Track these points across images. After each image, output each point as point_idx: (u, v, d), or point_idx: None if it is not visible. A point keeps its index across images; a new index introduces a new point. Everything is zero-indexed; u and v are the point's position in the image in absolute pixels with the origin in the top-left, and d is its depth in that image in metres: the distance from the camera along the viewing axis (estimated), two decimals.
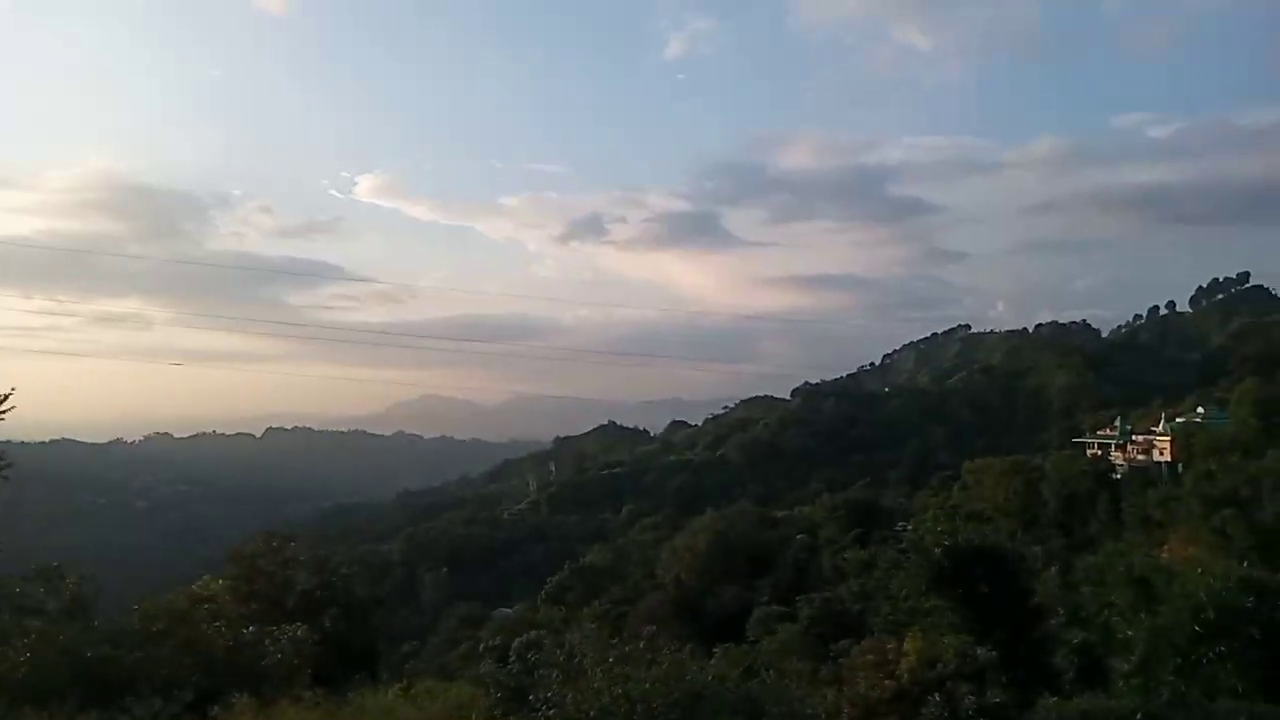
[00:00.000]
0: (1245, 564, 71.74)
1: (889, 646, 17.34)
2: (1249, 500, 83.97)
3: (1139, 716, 15.88)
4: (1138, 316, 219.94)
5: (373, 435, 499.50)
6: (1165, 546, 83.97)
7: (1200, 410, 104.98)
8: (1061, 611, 25.41)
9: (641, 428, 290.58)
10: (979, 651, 15.72)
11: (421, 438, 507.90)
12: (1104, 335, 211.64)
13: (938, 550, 20.39)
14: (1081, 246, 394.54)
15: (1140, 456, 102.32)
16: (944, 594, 20.22)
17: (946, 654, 15.60)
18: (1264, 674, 14.96)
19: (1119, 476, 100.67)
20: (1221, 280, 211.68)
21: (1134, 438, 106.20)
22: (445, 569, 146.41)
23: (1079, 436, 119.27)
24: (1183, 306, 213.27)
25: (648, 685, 17.95)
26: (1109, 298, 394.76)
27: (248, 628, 21.94)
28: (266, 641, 21.05)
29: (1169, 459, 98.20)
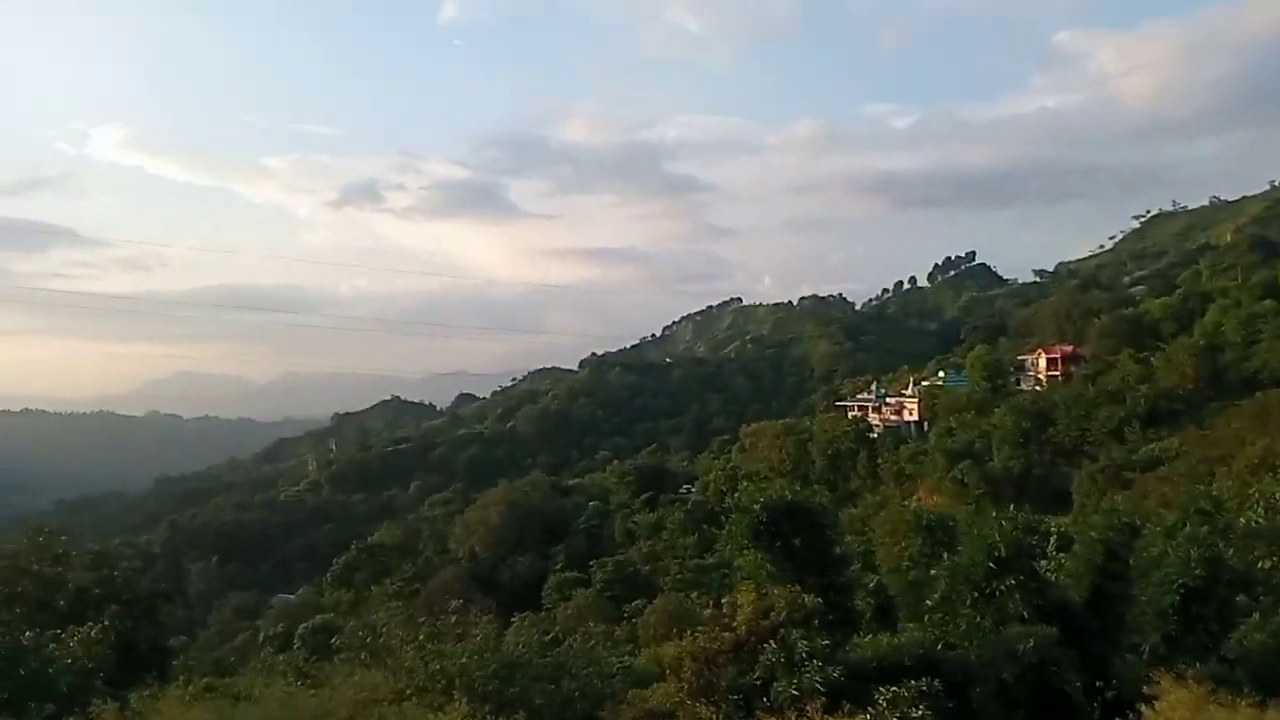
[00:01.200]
0: (974, 506, 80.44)
1: (724, 600, 18.36)
2: (981, 452, 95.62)
3: (940, 645, 17.96)
4: (885, 290, 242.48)
5: (122, 416, 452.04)
6: (916, 496, 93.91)
7: (941, 374, 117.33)
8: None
9: (428, 402, 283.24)
10: (806, 599, 17.03)
11: (180, 418, 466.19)
12: (858, 307, 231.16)
13: (756, 507, 21.64)
14: (837, 225, 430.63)
15: (893, 417, 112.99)
16: (762, 547, 21.51)
17: (778, 604, 16.78)
18: (1043, 602, 17.47)
19: (875, 435, 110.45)
20: (953, 258, 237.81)
21: (887, 400, 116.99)
22: (215, 558, 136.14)
23: (841, 400, 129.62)
24: (923, 281, 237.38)
25: (464, 659, 17.96)
26: (861, 272, 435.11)
27: (24, 632, 19.56)
28: (52, 646, 18.89)
29: (917, 418, 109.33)
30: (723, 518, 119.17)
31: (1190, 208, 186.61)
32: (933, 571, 19.21)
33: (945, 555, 19.26)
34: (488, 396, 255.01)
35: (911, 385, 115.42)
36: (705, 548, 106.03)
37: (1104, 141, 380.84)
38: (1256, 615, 18.90)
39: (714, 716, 16.12)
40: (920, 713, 13.89)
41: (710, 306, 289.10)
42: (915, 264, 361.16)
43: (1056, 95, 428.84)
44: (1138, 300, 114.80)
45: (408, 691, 17.35)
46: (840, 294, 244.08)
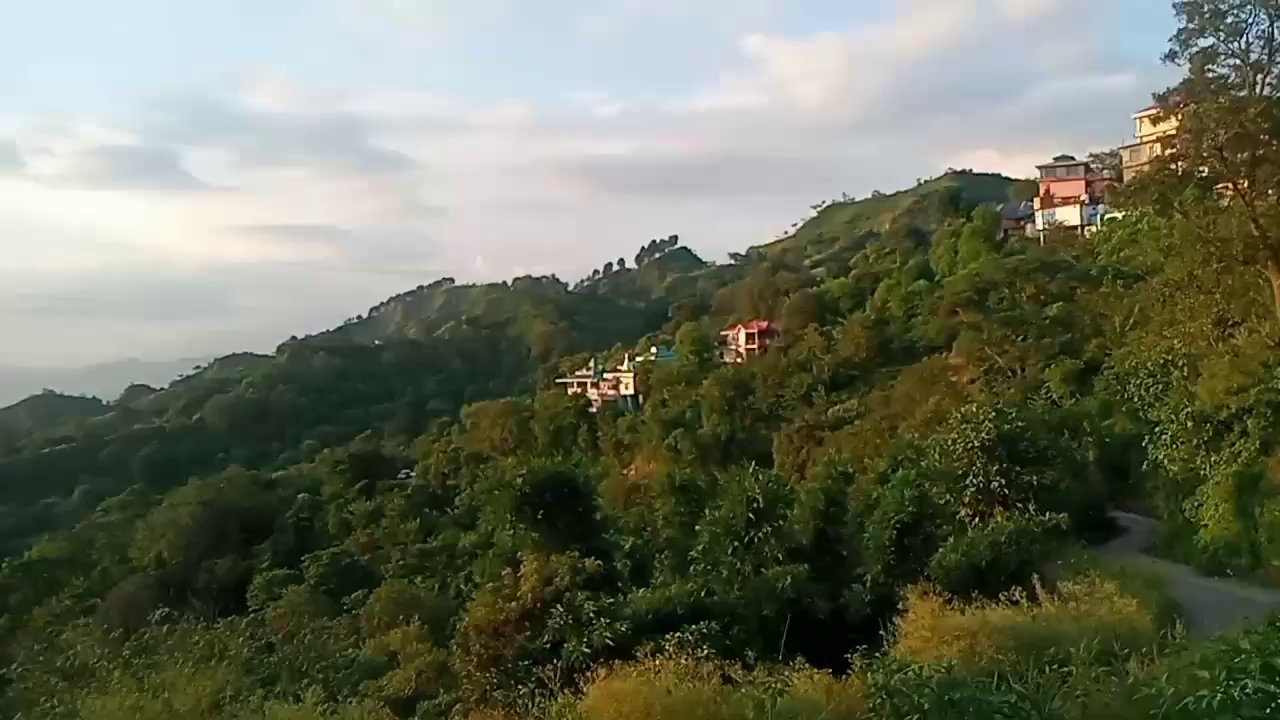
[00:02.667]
0: (689, 470, 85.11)
1: (504, 572, 18.16)
2: (692, 420, 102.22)
3: (705, 593, 19.08)
4: (596, 271, 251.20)
5: None
6: (633, 465, 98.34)
7: (654, 350, 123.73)
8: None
9: (91, 395, 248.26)
10: (586, 563, 17.34)
11: None
12: (571, 288, 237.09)
13: (519, 480, 21.58)
14: (548, 207, 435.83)
15: (611, 391, 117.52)
16: (526, 520, 21.51)
17: (561, 569, 16.92)
18: (793, 544, 19.17)
19: (595, 410, 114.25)
20: (658, 241, 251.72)
21: (605, 376, 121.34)
22: None
23: (560, 378, 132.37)
24: (631, 263, 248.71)
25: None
26: (573, 254, 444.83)
27: None
28: None
29: (633, 392, 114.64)
30: (451, 500, 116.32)
31: (857, 199, 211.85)
32: (696, 527, 20.36)
33: (706, 512, 20.49)
34: (166, 387, 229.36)
35: (627, 361, 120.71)
36: (428, 532, 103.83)
37: (786, 138, 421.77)
38: (950, 540, 22.13)
39: (487, 682, 15.96)
40: (704, 652, 14.68)
41: (421, 287, 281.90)
42: (624, 246, 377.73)
43: (746, 94, 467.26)
44: (819, 281, 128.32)
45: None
46: (554, 275, 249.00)
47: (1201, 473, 30.50)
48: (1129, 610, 14.07)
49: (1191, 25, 28.47)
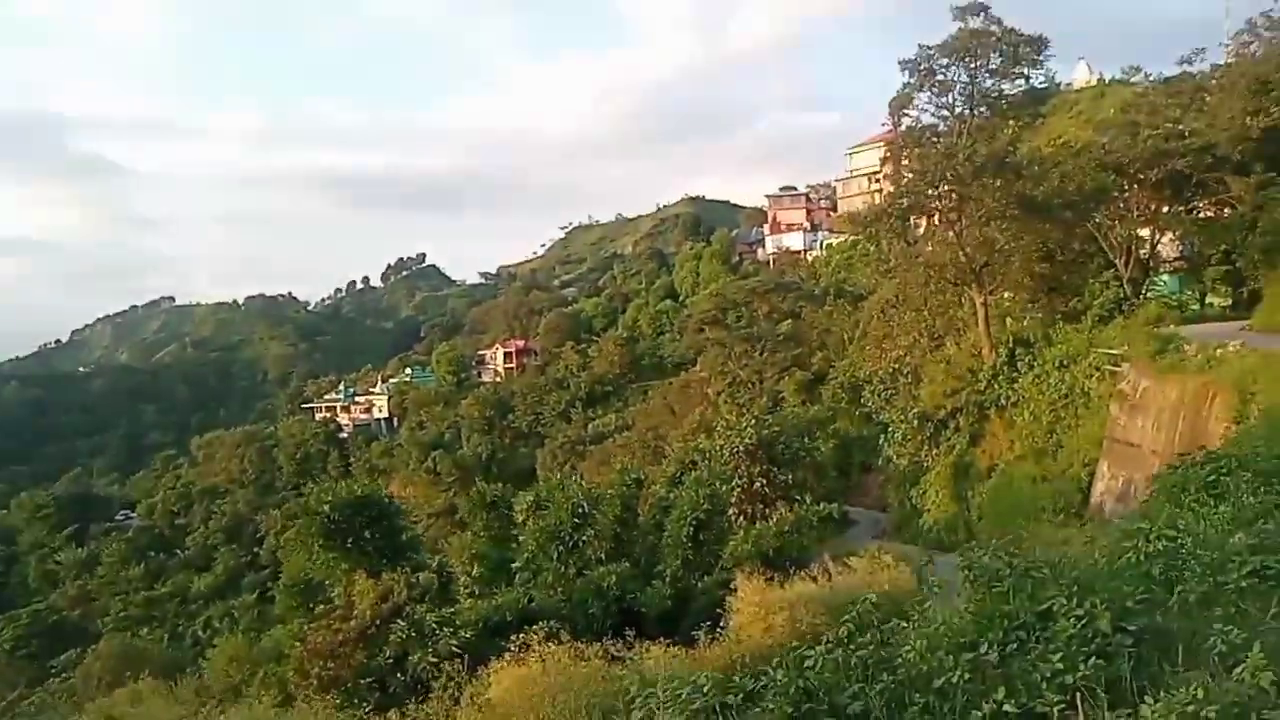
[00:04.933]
0: (451, 492, 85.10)
1: (337, 594, 17.91)
2: (451, 442, 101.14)
3: (529, 599, 19.90)
4: (339, 290, 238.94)
5: None
6: (390, 489, 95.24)
7: (408, 371, 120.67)
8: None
9: None
10: (420, 578, 17.56)
11: None
12: (311, 307, 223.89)
13: (325, 507, 21.26)
14: (284, 221, 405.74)
15: (363, 415, 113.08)
16: (335, 546, 21.20)
17: (397, 585, 17.03)
18: (615, 544, 20.43)
19: (345, 435, 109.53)
20: (405, 259, 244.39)
21: (356, 399, 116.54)
22: None
23: (307, 402, 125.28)
24: (376, 281, 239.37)
25: None
26: (312, 272, 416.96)
27: None
28: None
29: (387, 415, 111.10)
30: (181, 541, 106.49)
31: (601, 221, 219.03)
32: (520, 536, 21.05)
33: (529, 522, 21.24)
34: None
35: (380, 383, 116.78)
36: (155, 577, 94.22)
37: (532, 158, 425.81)
38: (740, 531, 24.51)
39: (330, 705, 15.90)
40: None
41: (135, 306, 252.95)
42: (369, 264, 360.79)
43: (494, 113, 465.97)
44: (572, 300, 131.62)
45: None
46: (290, 293, 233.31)
47: (925, 464, 35.85)
48: (904, 577, 16.79)
49: (910, 81, 33.65)
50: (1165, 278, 43.19)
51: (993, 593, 5.18)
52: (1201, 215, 41.52)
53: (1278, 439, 9.92)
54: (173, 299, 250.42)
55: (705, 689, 4.61)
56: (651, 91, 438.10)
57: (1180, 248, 43.11)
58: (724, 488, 27.25)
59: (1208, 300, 42.20)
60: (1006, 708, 3.74)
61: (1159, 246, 41.43)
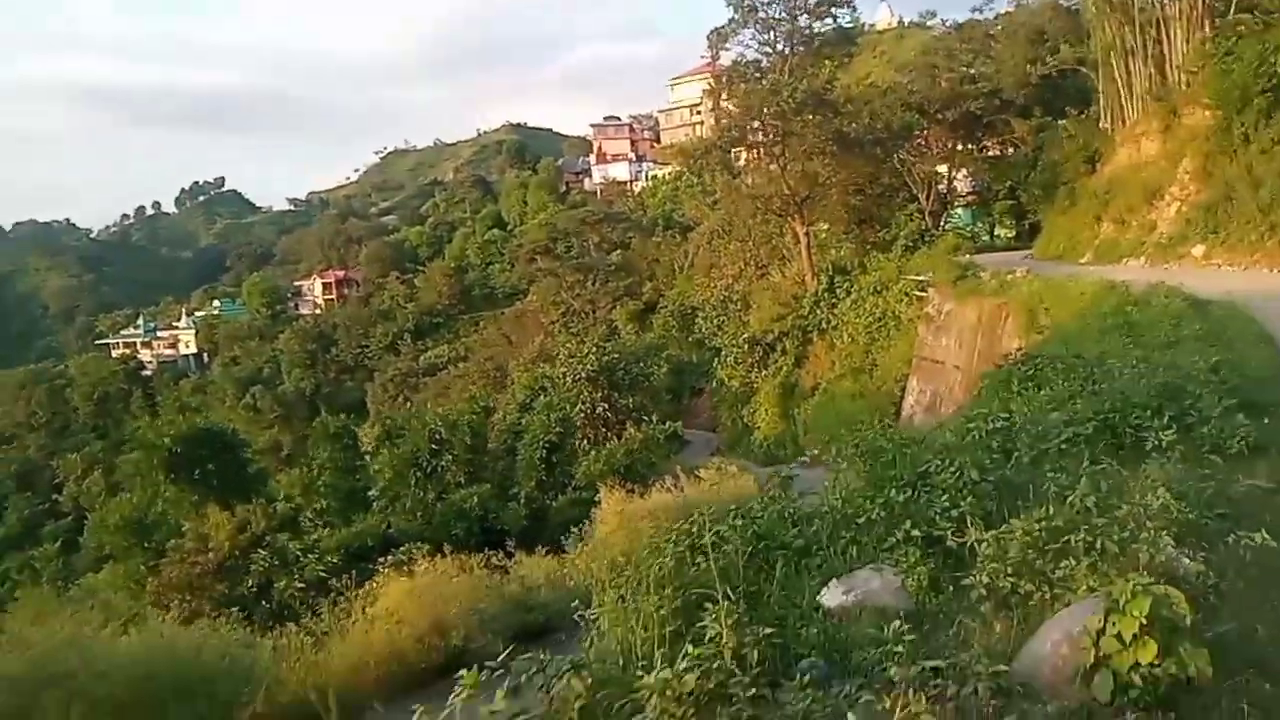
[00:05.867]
0: (275, 428, 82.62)
1: (190, 528, 17.50)
2: (271, 378, 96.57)
3: (387, 525, 20.21)
4: (125, 216, 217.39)
5: None
6: None
7: (216, 304, 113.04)
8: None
9: None
10: (278, 508, 17.46)
11: None
12: (94, 235, 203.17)
13: (165, 440, 20.61)
14: (49, 140, 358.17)
15: (168, 351, 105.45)
16: (181, 480, 20.66)
17: (254, 517, 16.87)
18: (471, 469, 20.93)
19: (150, 373, 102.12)
20: (202, 184, 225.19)
21: (159, 334, 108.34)
22: None
23: (101, 338, 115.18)
24: (169, 207, 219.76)
25: None
26: (92, 196, 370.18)
27: None
28: None
29: (195, 351, 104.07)
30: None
31: (419, 147, 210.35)
32: (375, 465, 21.09)
33: (382, 451, 21.29)
34: None
35: (185, 317, 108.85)
36: None
37: (337, 78, 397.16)
38: (593, 452, 25.62)
39: None
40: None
41: None
42: (158, 189, 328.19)
43: (292, 27, 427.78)
44: (393, 229, 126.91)
45: None
46: (68, 219, 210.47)
47: (754, 385, 38.31)
48: (750, 485, 18.45)
49: (735, 17, 34.86)
50: (960, 211, 47.55)
51: (879, 462, 6.37)
52: (991, 154, 45.89)
53: (1071, 344, 11.93)
54: None
55: (685, 535, 5.43)
56: (464, 13, 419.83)
57: (973, 183, 47.45)
58: (576, 410, 28.20)
59: (996, 232, 46.89)
60: (914, 533, 4.84)
61: (955, 182, 45.44)
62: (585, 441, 31.17)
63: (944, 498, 5.26)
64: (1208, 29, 28.25)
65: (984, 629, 3.65)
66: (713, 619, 3.22)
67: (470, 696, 3.35)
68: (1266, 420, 6.57)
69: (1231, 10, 27.48)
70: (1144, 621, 2.77)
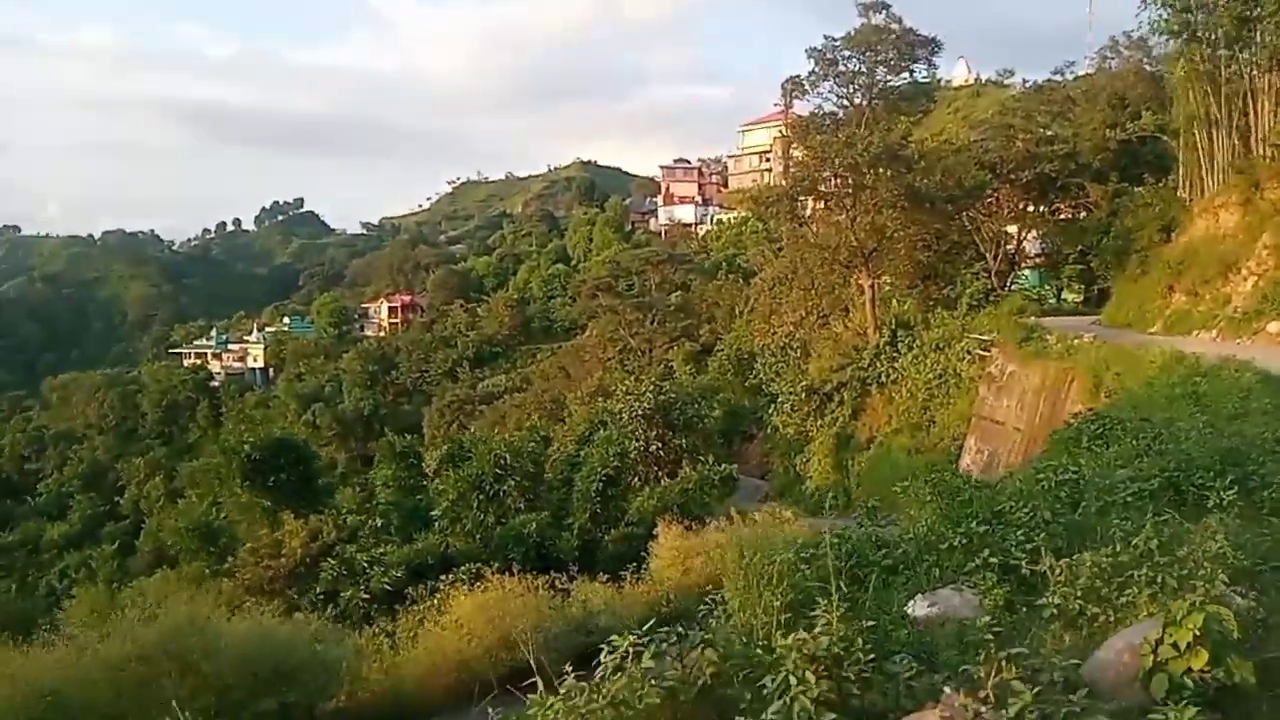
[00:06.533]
0: (332, 445, 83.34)
1: (264, 533, 18.27)
2: (332, 396, 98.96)
3: (446, 546, 20.78)
4: (207, 230, 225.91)
5: None
6: None
7: (285, 320, 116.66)
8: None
9: None
10: (348, 520, 18.17)
11: None
12: (176, 247, 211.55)
13: (245, 447, 21.52)
14: (145, 154, 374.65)
15: (237, 364, 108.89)
16: (256, 487, 21.51)
17: (326, 526, 17.60)
18: (534, 495, 21.48)
19: (217, 384, 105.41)
20: (281, 203, 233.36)
21: (229, 346, 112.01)
22: None
23: (174, 347, 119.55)
24: (248, 224, 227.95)
25: None
26: (176, 209, 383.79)
27: None
28: None
29: (262, 365, 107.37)
30: (33, 488, 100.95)
31: (491, 179, 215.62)
32: (440, 485, 21.77)
33: (447, 472, 21.97)
34: None
35: (255, 331, 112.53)
36: (2, 524, 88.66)
37: (419, 107, 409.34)
38: (646, 489, 25.97)
39: None
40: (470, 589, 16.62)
41: None
42: (239, 205, 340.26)
43: (377, 54, 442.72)
44: (461, 258, 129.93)
45: None
46: (154, 231, 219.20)
47: (809, 434, 38.34)
48: (804, 530, 18.67)
49: (815, 69, 35.60)
50: (1027, 272, 47.22)
51: (957, 501, 6.73)
52: (1062, 216, 45.64)
53: (1138, 408, 12.07)
54: (18, 229, 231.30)
55: (792, 548, 5.89)
56: (543, 48, 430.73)
57: (1042, 245, 47.16)
58: (631, 447, 28.63)
59: (1064, 295, 46.41)
60: (991, 560, 5.22)
61: (1024, 243, 45.25)
62: (637, 479, 31.55)
63: (1019, 532, 5.63)
64: None
65: (1055, 641, 4.01)
66: (823, 609, 3.67)
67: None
68: None
69: None
70: (1197, 633, 3.16)
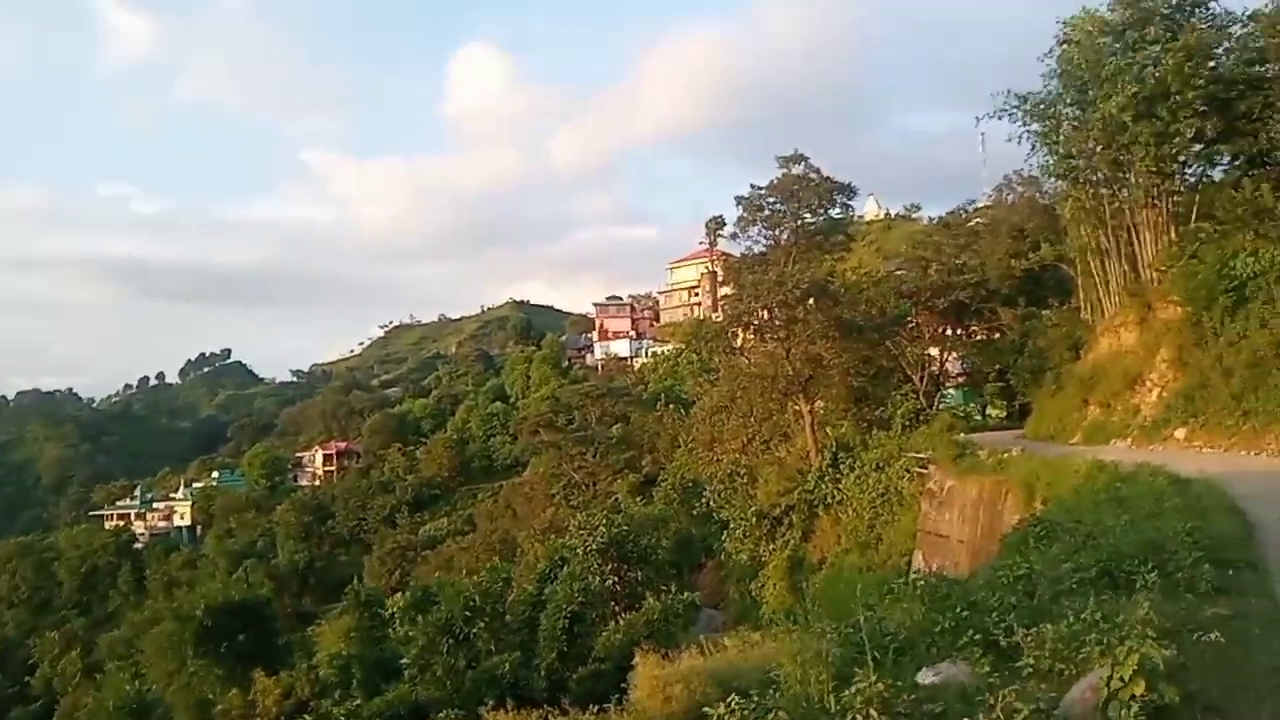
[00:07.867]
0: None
1: (234, 695, 18.03)
2: (265, 550, 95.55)
3: (414, 693, 20.68)
4: (128, 386, 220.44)
5: None
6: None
7: (214, 475, 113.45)
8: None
9: None
10: (320, 674, 18.12)
11: None
12: (95, 404, 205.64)
13: (198, 612, 21.35)
14: (63, 311, 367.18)
15: (162, 523, 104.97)
16: (210, 652, 21.22)
17: (299, 682, 17.54)
18: (522, 637, 21.58)
19: (141, 546, 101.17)
20: (207, 355, 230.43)
21: (154, 505, 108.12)
22: None
23: (94, 509, 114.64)
24: (172, 377, 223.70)
25: None
26: (97, 367, 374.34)
27: None
28: None
29: (189, 523, 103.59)
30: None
31: (423, 321, 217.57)
32: (410, 632, 21.70)
33: (418, 618, 21.98)
34: None
35: (182, 488, 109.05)
36: None
37: (349, 256, 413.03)
38: (611, 624, 26.19)
39: None
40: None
41: None
42: (164, 360, 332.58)
43: (307, 206, 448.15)
44: (396, 401, 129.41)
45: None
46: (71, 389, 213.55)
47: (762, 559, 38.98)
48: (772, 652, 19.23)
49: (743, 215, 38.40)
50: (953, 391, 49.92)
51: (938, 595, 7.81)
52: (979, 338, 48.83)
53: (1070, 511, 13.50)
54: None
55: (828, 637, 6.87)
56: (472, 197, 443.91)
57: (963, 365, 50.14)
58: (594, 583, 28.93)
59: (988, 411, 49.03)
60: (976, 637, 6.36)
61: (946, 364, 48.09)
62: (598, 615, 31.62)
63: (993, 615, 6.83)
64: (1173, 233, 31.39)
65: (1034, 690, 5.04)
66: (861, 675, 4.64)
67: None
68: (1230, 571, 8.39)
69: (1193, 218, 30.68)
70: (1136, 668, 4.24)
